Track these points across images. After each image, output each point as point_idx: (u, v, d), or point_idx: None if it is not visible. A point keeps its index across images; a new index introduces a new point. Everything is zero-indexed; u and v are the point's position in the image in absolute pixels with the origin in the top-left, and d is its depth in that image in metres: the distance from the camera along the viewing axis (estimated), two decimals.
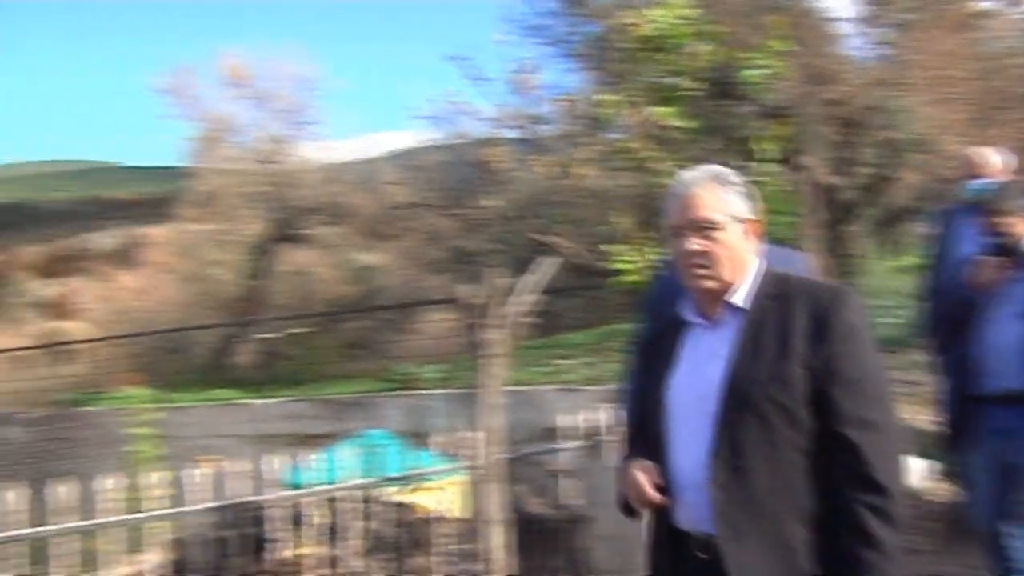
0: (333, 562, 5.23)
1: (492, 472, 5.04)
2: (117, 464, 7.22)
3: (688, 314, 2.51)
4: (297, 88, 21.47)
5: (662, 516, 2.44)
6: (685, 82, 8.13)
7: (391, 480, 5.61)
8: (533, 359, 11.28)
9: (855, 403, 2.28)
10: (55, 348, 24.61)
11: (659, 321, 2.68)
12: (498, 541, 5.04)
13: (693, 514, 2.35)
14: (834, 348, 2.30)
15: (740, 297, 2.42)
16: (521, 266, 5.81)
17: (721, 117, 8.74)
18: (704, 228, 2.40)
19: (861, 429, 2.27)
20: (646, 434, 2.50)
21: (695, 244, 2.40)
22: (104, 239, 48.49)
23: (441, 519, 5.71)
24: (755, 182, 5.52)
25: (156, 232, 29.98)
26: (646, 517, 2.53)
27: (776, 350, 2.31)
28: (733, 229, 2.42)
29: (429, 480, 5.90)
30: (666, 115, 8.05)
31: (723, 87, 8.50)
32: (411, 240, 17.59)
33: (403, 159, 21.08)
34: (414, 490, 5.84)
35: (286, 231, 19.99)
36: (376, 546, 5.42)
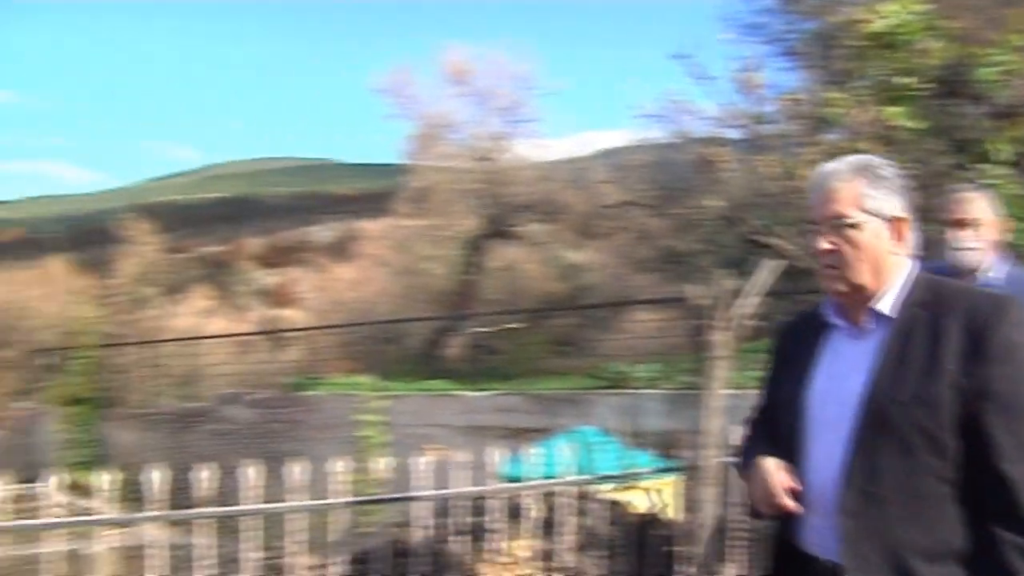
0: (547, 556, 5.28)
1: (709, 475, 4.96)
2: (341, 447, 7.54)
3: (831, 316, 2.28)
4: (515, 86, 21.58)
5: (786, 531, 2.27)
6: (915, 81, 7.80)
7: (608, 478, 5.62)
8: (744, 362, 11.04)
9: (1011, 432, 2.01)
10: (275, 334, 26.00)
11: (800, 320, 2.46)
12: (712, 545, 4.97)
13: (819, 538, 2.17)
14: (991, 369, 2.02)
15: (887, 304, 2.17)
16: (732, 267, 5.70)
17: (950, 117, 8.31)
18: (838, 225, 2.18)
19: (1016, 462, 2.00)
20: (772, 439, 2.33)
21: (826, 242, 2.19)
22: (322, 232, 50.95)
23: (655, 520, 5.68)
24: (987, 185, 5.23)
25: (371, 226, 31.21)
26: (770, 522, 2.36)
27: (923, 366, 2.06)
28: (873, 228, 2.18)
29: (644, 480, 5.88)
30: (895, 115, 7.74)
31: (953, 85, 8.08)
32: (621, 239, 17.53)
33: (614, 158, 21.05)
34: (628, 488, 5.84)
35: (498, 227, 20.24)
36: (590, 543, 5.44)
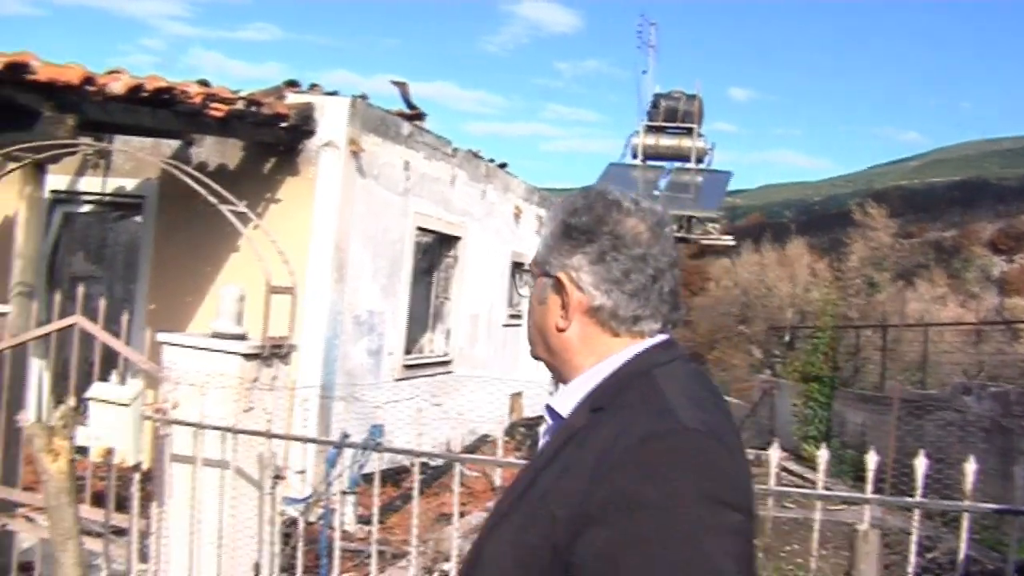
0: None
1: None
2: None
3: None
4: None
5: None
6: None
7: None
8: None
9: None
10: (1012, 324, 24.56)
11: None
12: None
13: None
14: (589, 531, 1.30)
15: (565, 400, 1.54)
16: None
17: None
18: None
19: None
20: None
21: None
22: None
23: None
24: None
25: None
26: None
27: (536, 504, 1.40)
28: (540, 290, 1.61)
29: None
30: None
31: None
32: None
33: None
34: None
35: None
36: None
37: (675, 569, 1.23)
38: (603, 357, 1.53)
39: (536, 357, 1.65)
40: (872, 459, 3.85)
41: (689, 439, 1.33)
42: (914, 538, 3.97)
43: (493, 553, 1.44)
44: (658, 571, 1.23)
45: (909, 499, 3.93)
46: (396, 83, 11.13)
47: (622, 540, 1.26)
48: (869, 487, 3.93)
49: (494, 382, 12.66)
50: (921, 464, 3.74)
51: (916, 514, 3.97)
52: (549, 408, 1.56)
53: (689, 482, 1.28)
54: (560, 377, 1.60)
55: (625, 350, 1.52)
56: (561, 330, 1.56)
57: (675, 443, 1.32)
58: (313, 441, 4.52)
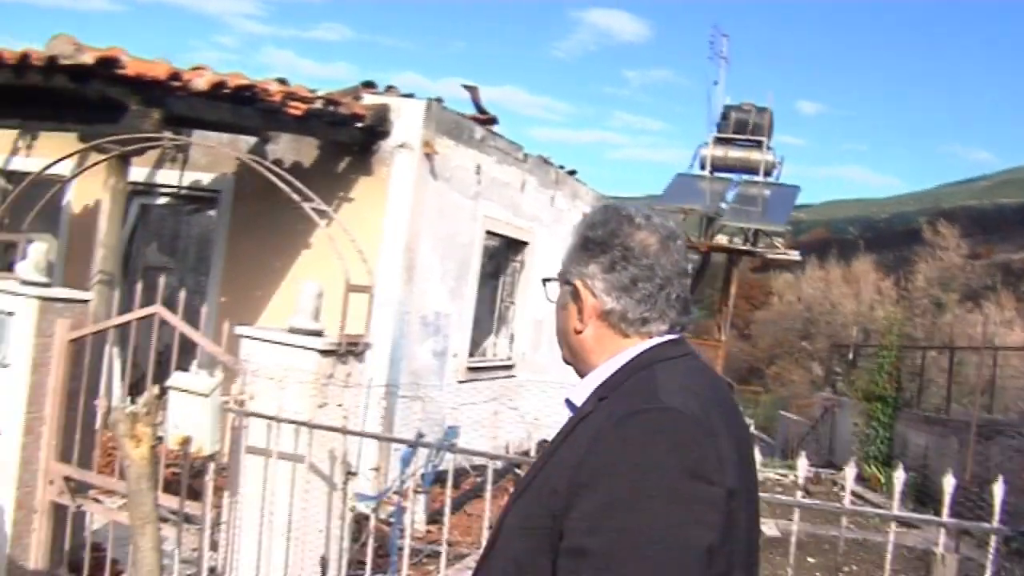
0: None
1: None
2: None
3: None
4: None
5: None
6: None
7: None
8: None
9: None
10: None
11: None
12: None
13: None
14: (573, 501, 1.49)
15: (580, 392, 1.76)
16: None
17: None
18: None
19: None
20: None
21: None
22: None
23: None
24: None
25: None
26: None
27: (544, 481, 1.60)
28: (562, 297, 1.83)
29: None
30: None
31: None
32: None
33: None
34: None
35: None
36: None
37: (644, 530, 1.39)
38: (614, 355, 1.72)
39: (565, 360, 1.86)
40: (949, 483, 3.77)
41: (667, 417, 1.51)
42: (990, 566, 3.89)
43: (509, 524, 1.65)
44: (628, 531, 1.40)
45: (986, 524, 3.85)
46: (467, 87, 11.18)
47: (600, 504, 1.44)
48: (945, 511, 3.86)
49: (556, 387, 12.67)
50: (999, 490, 3.67)
51: (993, 540, 3.89)
52: (567, 400, 1.77)
53: (664, 454, 1.45)
54: (581, 374, 1.79)
55: (633, 348, 1.71)
56: (579, 332, 1.76)
57: (653, 419, 1.50)
58: (389, 440, 4.56)
